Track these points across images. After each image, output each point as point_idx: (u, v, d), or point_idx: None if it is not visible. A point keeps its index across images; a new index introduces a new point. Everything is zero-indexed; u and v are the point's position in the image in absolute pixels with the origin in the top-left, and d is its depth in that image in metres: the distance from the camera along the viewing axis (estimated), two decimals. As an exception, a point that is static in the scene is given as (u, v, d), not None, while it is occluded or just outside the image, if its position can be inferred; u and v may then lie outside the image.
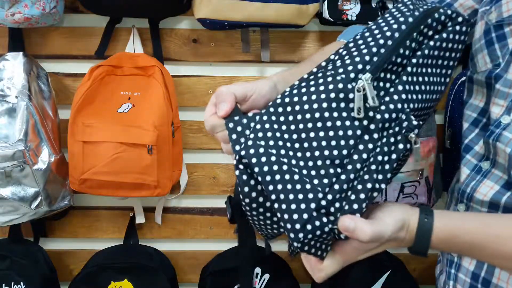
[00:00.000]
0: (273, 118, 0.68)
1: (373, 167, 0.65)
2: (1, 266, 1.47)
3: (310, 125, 0.65)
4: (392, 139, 0.67)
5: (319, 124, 0.65)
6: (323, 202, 0.63)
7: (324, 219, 0.64)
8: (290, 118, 0.67)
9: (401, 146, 0.66)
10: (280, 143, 0.66)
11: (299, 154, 0.65)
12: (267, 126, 0.67)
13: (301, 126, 0.66)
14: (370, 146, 0.65)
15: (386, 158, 0.66)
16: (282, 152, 0.65)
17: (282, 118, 0.67)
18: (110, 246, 1.61)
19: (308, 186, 0.63)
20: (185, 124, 1.60)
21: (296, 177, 0.63)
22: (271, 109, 0.68)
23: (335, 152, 0.64)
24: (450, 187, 0.92)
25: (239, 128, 0.68)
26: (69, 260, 1.69)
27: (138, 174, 1.40)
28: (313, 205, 0.63)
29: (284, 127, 0.67)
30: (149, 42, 1.54)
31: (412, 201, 1.46)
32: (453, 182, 0.91)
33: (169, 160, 1.46)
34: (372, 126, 0.65)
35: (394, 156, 0.66)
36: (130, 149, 1.38)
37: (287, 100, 0.68)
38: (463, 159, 0.85)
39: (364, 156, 0.65)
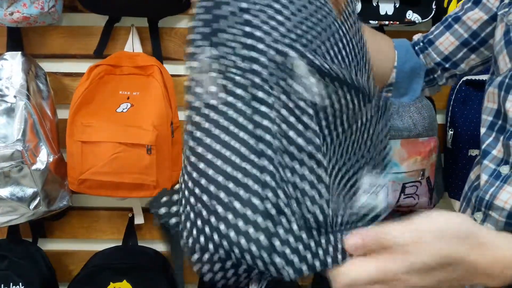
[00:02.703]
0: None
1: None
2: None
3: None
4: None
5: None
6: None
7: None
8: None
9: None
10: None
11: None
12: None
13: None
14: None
15: None
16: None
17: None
18: (109, 247, 1.60)
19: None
20: (184, 124, 1.58)
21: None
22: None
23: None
24: (463, 195, 0.85)
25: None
26: (68, 260, 1.68)
27: (137, 174, 1.39)
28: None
29: None
30: (148, 41, 1.54)
31: (414, 202, 1.45)
32: (465, 189, 0.84)
33: (168, 160, 1.45)
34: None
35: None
36: (129, 149, 1.38)
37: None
38: (482, 165, 0.78)
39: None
